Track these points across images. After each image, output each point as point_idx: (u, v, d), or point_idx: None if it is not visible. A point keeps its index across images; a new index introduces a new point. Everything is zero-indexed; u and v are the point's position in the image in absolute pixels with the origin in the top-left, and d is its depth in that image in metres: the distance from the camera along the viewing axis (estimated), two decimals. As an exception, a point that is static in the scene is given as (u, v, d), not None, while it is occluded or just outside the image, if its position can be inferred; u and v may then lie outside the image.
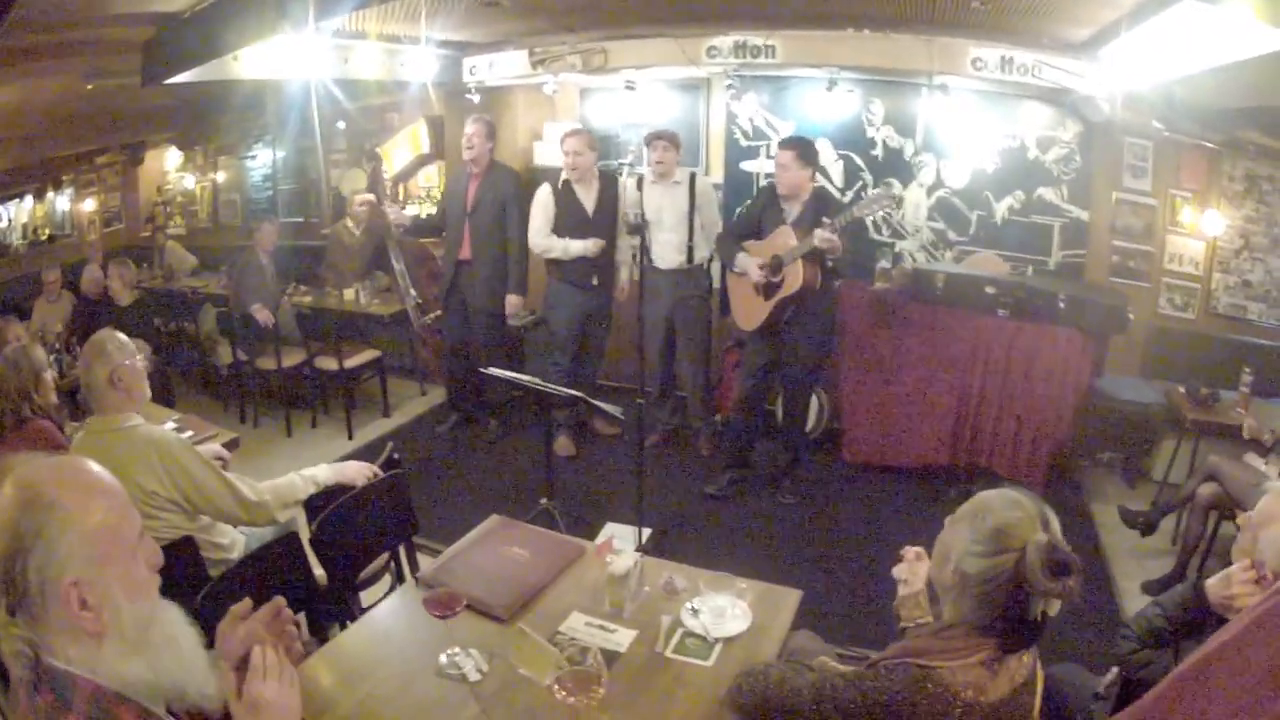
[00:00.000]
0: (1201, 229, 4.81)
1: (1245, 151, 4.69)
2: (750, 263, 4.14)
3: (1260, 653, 1.49)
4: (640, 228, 3.85)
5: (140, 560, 1.21)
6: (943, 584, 1.55)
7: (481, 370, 3.99)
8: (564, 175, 4.74)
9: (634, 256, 4.81)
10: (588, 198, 4.73)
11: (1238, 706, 1.47)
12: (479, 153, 4.82)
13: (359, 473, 2.75)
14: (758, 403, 4.49)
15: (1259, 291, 4.75)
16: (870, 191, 5.13)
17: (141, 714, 1.15)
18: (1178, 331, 4.97)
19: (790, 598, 2.24)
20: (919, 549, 1.93)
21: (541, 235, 4.73)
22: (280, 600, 1.38)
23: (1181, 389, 4.39)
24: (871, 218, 5.23)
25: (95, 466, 1.22)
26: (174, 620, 1.26)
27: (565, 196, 4.72)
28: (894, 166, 5.25)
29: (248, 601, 1.36)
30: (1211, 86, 3.87)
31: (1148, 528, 4.02)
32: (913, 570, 1.91)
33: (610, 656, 1.94)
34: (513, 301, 4.98)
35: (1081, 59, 4.38)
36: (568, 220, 4.71)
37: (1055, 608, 1.46)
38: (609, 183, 4.83)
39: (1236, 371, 4.27)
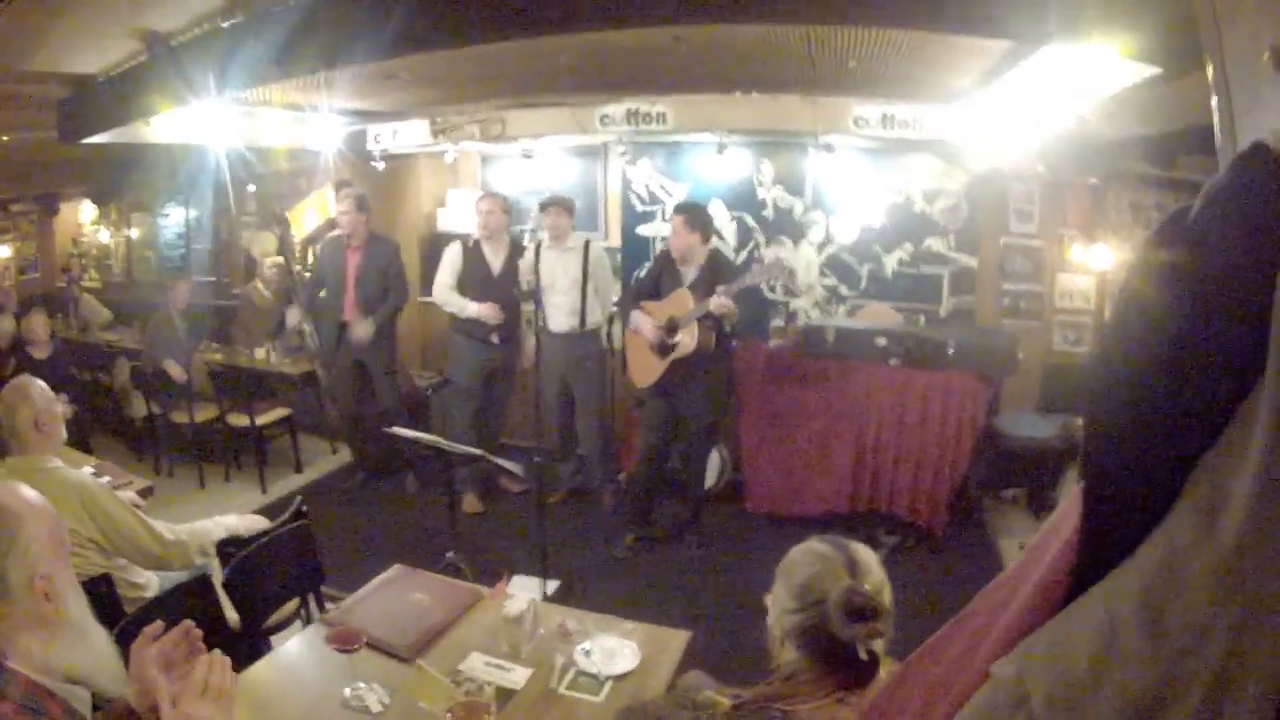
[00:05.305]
0: (1090, 265, 4.93)
1: (1128, 183, 4.75)
2: (645, 322, 4.25)
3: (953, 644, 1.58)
4: (534, 294, 3.93)
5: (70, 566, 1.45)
6: (774, 637, 1.66)
7: (385, 430, 4.06)
8: (475, 234, 4.85)
9: (528, 321, 4.92)
10: (495, 259, 4.83)
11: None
12: (353, 227, 4.91)
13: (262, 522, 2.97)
14: (659, 459, 4.59)
15: (1150, 320, 4.87)
16: (763, 251, 5.28)
17: (67, 711, 1.30)
18: (1073, 366, 5.10)
19: (677, 638, 2.36)
20: None
21: (445, 289, 4.83)
22: (189, 623, 1.51)
23: (1079, 420, 4.46)
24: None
25: (23, 485, 1.45)
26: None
27: (473, 255, 4.82)
28: (785, 225, 5.38)
29: (159, 624, 1.49)
30: (1090, 122, 3.96)
31: None
32: None
33: (507, 693, 2.08)
34: (362, 325, 4.94)
35: (960, 109, 4.47)
36: (473, 278, 4.81)
37: (880, 646, 1.50)
38: (517, 248, 4.92)
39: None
